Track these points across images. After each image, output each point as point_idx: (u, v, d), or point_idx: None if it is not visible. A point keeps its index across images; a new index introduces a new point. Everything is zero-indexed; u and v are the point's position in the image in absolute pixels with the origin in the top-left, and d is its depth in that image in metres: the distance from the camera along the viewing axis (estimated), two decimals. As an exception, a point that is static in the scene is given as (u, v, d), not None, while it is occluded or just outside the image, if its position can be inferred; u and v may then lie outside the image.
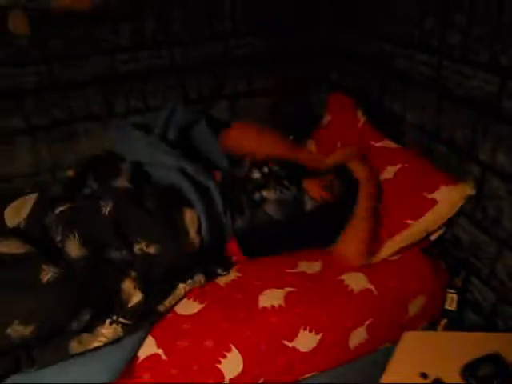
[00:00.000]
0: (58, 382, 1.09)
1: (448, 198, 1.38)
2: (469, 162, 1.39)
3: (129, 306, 1.23)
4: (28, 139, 1.86)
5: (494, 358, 1.00)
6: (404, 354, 1.05)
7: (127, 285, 1.25)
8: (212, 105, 2.05)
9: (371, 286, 1.34)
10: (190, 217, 1.40)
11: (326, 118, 1.88)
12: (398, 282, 1.38)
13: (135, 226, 1.29)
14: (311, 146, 1.87)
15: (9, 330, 1.08)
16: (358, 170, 1.53)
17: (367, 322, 1.34)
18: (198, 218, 1.41)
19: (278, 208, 1.48)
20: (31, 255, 1.20)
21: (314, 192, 1.52)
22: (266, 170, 1.57)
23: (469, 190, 1.37)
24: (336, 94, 1.83)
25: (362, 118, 1.73)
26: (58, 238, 1.27)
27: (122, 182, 1.38)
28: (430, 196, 1.40)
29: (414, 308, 1.40)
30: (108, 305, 1.21)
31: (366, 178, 1.51)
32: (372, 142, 1.66)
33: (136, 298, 1.25)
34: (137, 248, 1.27)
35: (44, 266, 1.14)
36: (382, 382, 0.99)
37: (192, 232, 1.38)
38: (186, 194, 1.44)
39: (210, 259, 1.43)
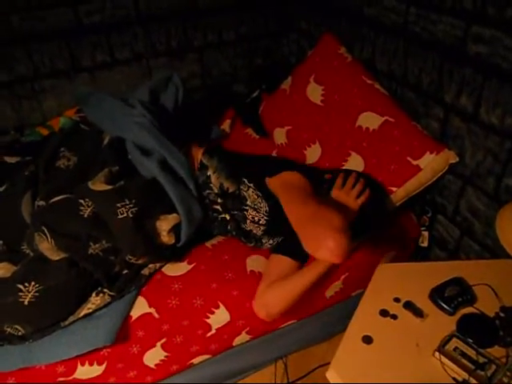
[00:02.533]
0: (56, 350, 1.12)
1: (432, 166, 1.37)
2: (433, 104, 1.44)
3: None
4: (-10, 97, 1.79)
5: (457, 281, 1.10)
6: (378, 284, 1.14)
7: (117, 269, 1.26)
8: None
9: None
10: (162, 224, 1.30)
11: (310, 54, 1.80)
12: (372, 242, 1.44)
13: (124, 246, 1.23)
14: (287, 82, 1.82)
15: (6, 327, 1.11)
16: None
17: (343, 277, 1.42)
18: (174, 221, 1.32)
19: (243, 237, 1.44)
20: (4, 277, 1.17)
21: None
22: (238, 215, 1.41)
23: (452, 157, 1.38)
24: (327, 35, 1.76)
25: (349, 56, 1.68)
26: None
27: (100, 186, 1.27)
28: (414, 162, 1.38)
29: (385, 261, 1.47)
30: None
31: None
32: (363, 77, 1.59)
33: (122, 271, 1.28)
34: (127, 259, 1.25)
35: (20, 287, 1.11)
36: (359, 307, 1.07)
37: (164, 238, 1.31)
38: (169, 196, 1.33)
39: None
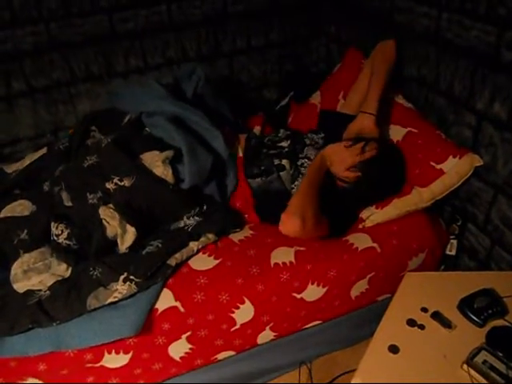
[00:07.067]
0: (83, 336, 1.16)
1: (455, 170, 1.39)
2: (465, 111, 1.42)
3: (123, 246, 1.31)
4: (28, 102, 1.86)
5: (488, 292, 1.08)
6: (406, 292, 1.13)
7: (102, 211, 1.31)
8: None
9: (375, 245, 1.40)
10: (154, 157, 1.45)
11: (337, 70, 1.86)
12: (401, 241, 1.42)
13: (107, 167, 1.40)
14: (317, 97, 1.86)
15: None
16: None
17: (369, 276, 1.41)
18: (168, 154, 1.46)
19: (290, 179, 1.51)
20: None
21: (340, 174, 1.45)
22: (297, 146, 1.58)
23: (477, 161, 1.38)
24: (352, 50, 1.82)
25: None
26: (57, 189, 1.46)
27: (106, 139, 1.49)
28: (438, 166, 1.41)
29: (413, 264, 1.47)
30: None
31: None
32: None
33: (129, 236, 1.31)
34: (112, 185, 1.36)
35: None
36: (385, 315, 1.06)
37: (158, 168, 1.43)
38: (171, 134, 1.49)
39: (218, 213, 1.47)
